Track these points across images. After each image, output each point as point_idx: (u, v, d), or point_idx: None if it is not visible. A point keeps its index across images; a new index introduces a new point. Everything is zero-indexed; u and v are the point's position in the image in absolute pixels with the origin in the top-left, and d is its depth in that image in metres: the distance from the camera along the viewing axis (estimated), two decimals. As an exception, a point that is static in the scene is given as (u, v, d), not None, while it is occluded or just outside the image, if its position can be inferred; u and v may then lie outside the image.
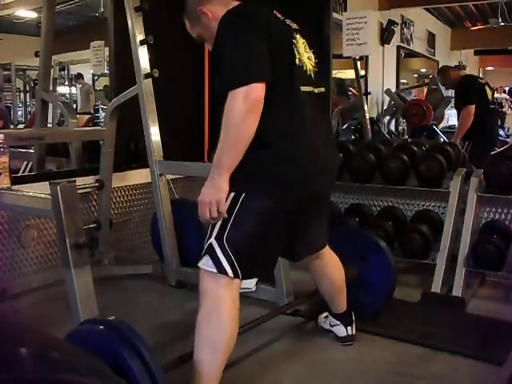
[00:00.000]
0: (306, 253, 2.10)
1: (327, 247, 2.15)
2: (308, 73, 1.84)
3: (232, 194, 1.71)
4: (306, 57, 1.86)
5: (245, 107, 1.58)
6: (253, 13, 1.78)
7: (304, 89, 1.80)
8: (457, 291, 2.86)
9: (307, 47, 1.90)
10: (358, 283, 2.42)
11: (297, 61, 1.79)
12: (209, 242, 1.75)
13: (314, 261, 2.16)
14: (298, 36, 1.87)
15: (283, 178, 1.73)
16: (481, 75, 13.28)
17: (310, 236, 2.03)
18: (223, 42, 1.71)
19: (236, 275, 1.72)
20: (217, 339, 1.70)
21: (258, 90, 1.59)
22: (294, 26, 1.93)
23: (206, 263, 1.74)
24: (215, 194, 1.65)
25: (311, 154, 1.77)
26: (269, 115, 1.65)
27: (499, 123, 7.65)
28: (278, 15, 1.91)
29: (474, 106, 4.32)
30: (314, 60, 1.90)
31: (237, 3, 1.85)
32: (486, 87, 4.64)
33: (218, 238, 1.72)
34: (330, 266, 2.20)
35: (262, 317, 2.30)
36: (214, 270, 1.71)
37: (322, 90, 1.90)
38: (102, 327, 1.42)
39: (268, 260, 1.87)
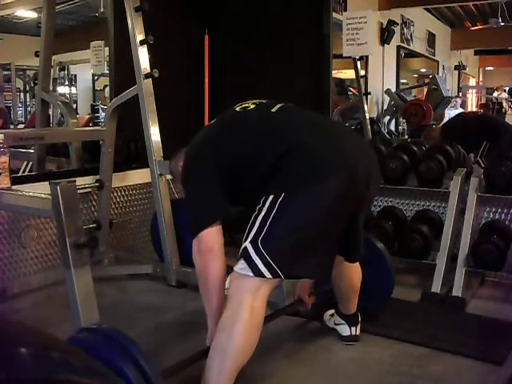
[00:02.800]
0: (357, 253, 2.11)
1: None
2: (269, 102, 1.98)
3: (270, 198, 1.72)
4: (259, 100, 2.00)
5: (200, 255, 1.83)
6: (191, 155, 1.97)
7: (275, 108, 1.90)
8: (457, 291, 2.86)
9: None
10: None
11: (250, 106, 1.95)
12: (244, 245, 1.73)
13: (340, 262, 2.14)
14: (240, 103, 2.02)
15: (315, 169, 1.72)
16: (481, 75, 13.31)
17: (356, 234, 2.02)
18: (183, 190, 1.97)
19: (276, 275, 1.69)
20: (226, 347, 1.68)
21: (206, 238, 1.81)
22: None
23: (241, 267, 1.72)
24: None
25: (333, 143, 1.81)
26: (269, 144, 1.79)
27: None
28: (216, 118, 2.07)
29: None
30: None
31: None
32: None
33: (253, 242, 1.70)
34: (352, 268, 2.20)
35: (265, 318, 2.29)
36: (250, 274, 1.69)
37: (290, 104, 1.99)
38: (97, 336, 1.39)
39: (315, 258, 1.78)
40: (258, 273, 1.68)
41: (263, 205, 1.73)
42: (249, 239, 1.72)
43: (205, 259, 1.82)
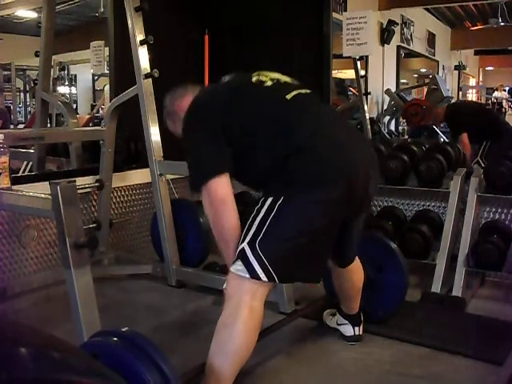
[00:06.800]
0: (351, 258, 2.09)
1: None
2: (288, 82, 1.92)
3: (270, 200, 1.71)
4: (276, 75, 1.93)
5: (212, 207, 1.74)
6: (200, 104, 1.88)
7: (290, 95, 1.84)
8: (457, 291, 2.86)
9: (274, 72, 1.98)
10: (368, 287, 2.38)
11: (268, 83, 1.88)
12: (241, 246, 1.72)
13: None
14: (257, 72, 1.95)
15: (316, 170, 1.71)
16: (481, 75, 13.32)
17: (352, 240, 2.01)
18: (184, 140, 1.86)
19: (271, 279, 1.69)
20: (228, 346, 1.69)
21: (216, 188, 1.72)
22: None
23: (238, 269, 1.71)
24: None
25: (337, 146, 1.77)
26: (278, 138, 1.73)
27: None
28: (227, 78, 2.03)
29: (464, 134, 4.44)
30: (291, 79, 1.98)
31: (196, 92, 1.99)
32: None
33: (251, 243, 1.70)
34: (353, 269, 2.19)
35: (276, 324, 2.31)
36: (247, 275, 1.69)
37: (308, 91, 1.93)
38: (115, 339, 1.34)
39: (310, 262, 1.80)
40: (254, 275, 1.68)
41: (262, 206, 1.73)
42: (246, 240, 1.71)
43: (217, 212, 1.74)
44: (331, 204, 1.71)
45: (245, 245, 1.71)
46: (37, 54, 3.54)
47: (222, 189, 1.73)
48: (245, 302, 1.69)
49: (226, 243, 1.79)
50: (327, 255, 1.89)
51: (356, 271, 2.22)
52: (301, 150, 1.72)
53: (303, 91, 1.89)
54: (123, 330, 1.37)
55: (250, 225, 1.73)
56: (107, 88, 5.38)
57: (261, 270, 1.68)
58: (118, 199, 3.61)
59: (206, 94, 1.96)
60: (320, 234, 1.74)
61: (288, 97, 1.83)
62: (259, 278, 1.68)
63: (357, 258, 2.19)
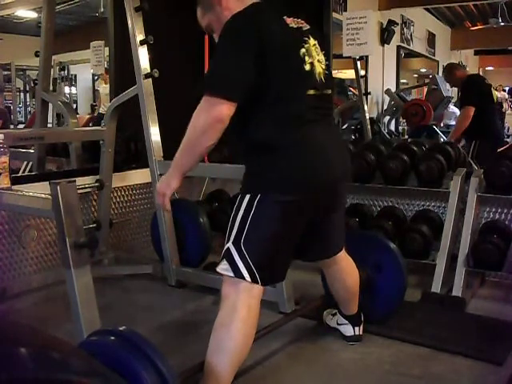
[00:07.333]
0: (323, 254, 2.08)
1: (344, 252, 2.14)
2: (317, 76, 1.82)
3: (247, 197, 1.73)
4: (316, 60, 1.84)
5: (206, 120, 1.65)
6: (251, 22, 1.74)
7: (310, 92, 1.79)
8: (457, 291, 2.86)
9: (318, 49, 1.87)
10: (368, 287, 2.39)
11: (307, 66, 1.79)
12: (226, 246, 1.74)
13: (330, 265, 2.15)
14: (310, 39, 1.84)
15: (296, 173, 1.73)
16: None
17: (326, 237, 2.02)
18: (218, 43, 1.76)
19: (254, 280, 1.71)
20: (227, 345, 1.70)
21: (223, 106, 1.64)
22: (306, 27, 1.89)
23: (223, 268, 1.74)
24: (164, 188, 1.79)
25: (322, 155, 1.78)
26: (273, 122, 1.72)
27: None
28: (289, 21, 1.85)
29: (472, 108, 4.38)
30: (324, 62, 1.88)
31: (251, 2, 1.83)
32: (492, 88, 4.75)
33: (236, 243, 1.72)
34: (346, 271, 2.19)
35: (275, 323, 2.32)
36: (231, 274, 1.71)
37: (328, 92, 1.88)
38: (113, 338, 1.35)
39: (285, 262, 1.86)
40: (238, 274, 1.71)
41: (240, 204, 1.75)
42: (231, 240, 1.73)
43: (210, 126, 1.66)
44: (304, 204, 1.75)
45: (230, 245, 1.73)
46: (37, 54, 3.54)
47: (226, 111, 1.64)
48: (242, 301, 1.71)
49: (192, 152, 1.72)
50: (292, 254, 1.89)
51: (351, 274, 2.21)
52: (290, 146, 1.72)
53: (319, 93, 1.82)
54: (121, 329, 1.38)
55: (231, 224, 1.75)
56: (103, 88, 5.40)
57: (245, 269, 1.70)
58: (118, 199, 3.61)
59: (266, 14, 1.80)
60: (292, 233, 1.79)
61: (308, 92, 1.79)
62: (244, 278, 1.70)
63: (351, 261, 2.20)
